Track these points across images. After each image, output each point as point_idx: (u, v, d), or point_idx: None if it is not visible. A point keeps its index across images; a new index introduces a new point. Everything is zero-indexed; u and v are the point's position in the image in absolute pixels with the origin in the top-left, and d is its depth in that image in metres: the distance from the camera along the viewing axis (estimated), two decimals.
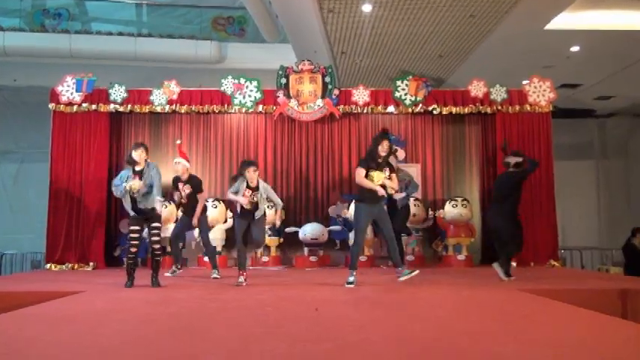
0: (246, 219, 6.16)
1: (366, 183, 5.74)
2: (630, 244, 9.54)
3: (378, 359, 2.74)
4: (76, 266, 8.48)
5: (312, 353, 2.82)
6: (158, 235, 5.93)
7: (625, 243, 9.71)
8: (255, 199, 6.03)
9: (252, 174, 6.05)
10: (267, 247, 8.86)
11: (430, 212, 9.07)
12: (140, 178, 5.76)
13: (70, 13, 13.08)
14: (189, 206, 7.09)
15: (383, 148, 5.79)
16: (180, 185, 7.09)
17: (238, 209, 6.23)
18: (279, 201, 6.42)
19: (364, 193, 5.80)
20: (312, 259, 8.83)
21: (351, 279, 5.77)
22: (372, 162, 5.81)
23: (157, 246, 5.91)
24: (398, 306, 4.61)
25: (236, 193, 6.03)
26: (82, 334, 3.34)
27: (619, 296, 5.13)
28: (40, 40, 11.82)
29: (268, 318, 3.98)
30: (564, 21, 8.94)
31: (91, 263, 8.51)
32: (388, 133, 6.70)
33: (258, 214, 6.10)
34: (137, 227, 5.86)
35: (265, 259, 8.83)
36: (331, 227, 8.98)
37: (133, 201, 5.80)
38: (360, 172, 5.78)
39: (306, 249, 8.92)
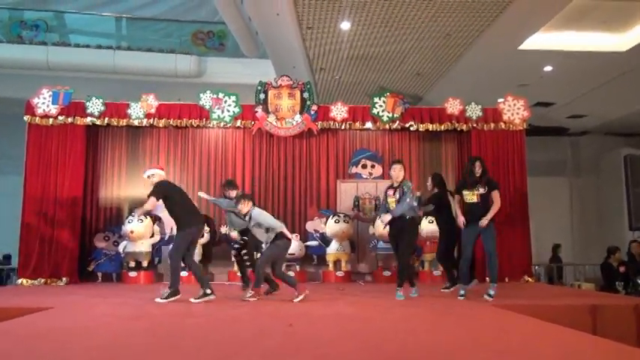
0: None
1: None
2: (607, 263, 9.48)
3: None
4: (48, 281, 8.32)
5: None
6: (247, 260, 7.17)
7: (603, 261, 9.59)
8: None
9: None
10: None
11: None
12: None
13: (47, 25, 12.98)
14: None
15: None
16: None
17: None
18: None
19: None
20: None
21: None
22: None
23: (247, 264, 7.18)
24: (372, 321, 4.64)
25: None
26: (54, 351, 3.30)
27: (589, 312, 5.24)
28: (16, 51, 11.73)
29: (243, 333, 3.97)
30: (538, 41, 9.18)
31: (64, 278, 8.35)
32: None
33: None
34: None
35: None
36: (308, 242, 8.99)
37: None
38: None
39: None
